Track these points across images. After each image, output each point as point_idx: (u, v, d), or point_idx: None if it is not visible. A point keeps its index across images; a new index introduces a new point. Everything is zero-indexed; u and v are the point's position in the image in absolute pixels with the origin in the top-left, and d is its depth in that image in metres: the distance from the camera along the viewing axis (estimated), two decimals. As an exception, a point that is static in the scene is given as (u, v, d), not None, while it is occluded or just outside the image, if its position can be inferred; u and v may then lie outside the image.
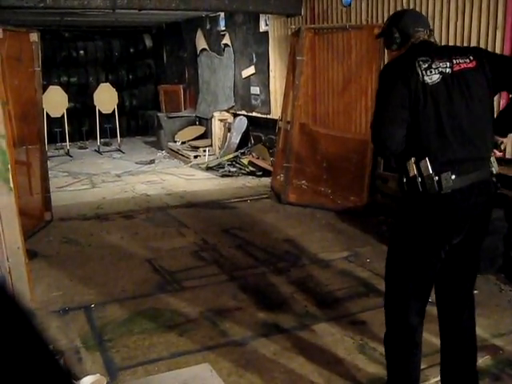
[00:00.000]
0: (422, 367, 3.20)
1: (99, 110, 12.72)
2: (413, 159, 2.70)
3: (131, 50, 15.14)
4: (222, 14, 11.14)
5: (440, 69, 2.68)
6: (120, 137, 13.08)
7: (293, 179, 7.79)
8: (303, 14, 8.58)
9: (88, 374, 3.43)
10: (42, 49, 6.95)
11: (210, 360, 3.71)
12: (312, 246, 5.92)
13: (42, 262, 5.63)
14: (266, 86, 10.00)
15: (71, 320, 4.37)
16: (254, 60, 10.25)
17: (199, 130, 12.45)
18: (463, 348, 3.02)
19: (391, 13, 6.58)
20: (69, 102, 12.45)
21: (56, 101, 11.83)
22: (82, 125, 14.23)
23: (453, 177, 2.63)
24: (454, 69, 2.70)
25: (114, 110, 12.81)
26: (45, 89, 10.38)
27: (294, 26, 8.59)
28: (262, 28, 9.87)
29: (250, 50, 10.40)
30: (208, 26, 12.01)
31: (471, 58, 2.77)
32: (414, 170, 2.68)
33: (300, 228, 6.58)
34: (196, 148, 11.50)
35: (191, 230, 6.62)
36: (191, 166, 10.74)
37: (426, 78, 2.65)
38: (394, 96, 2.71)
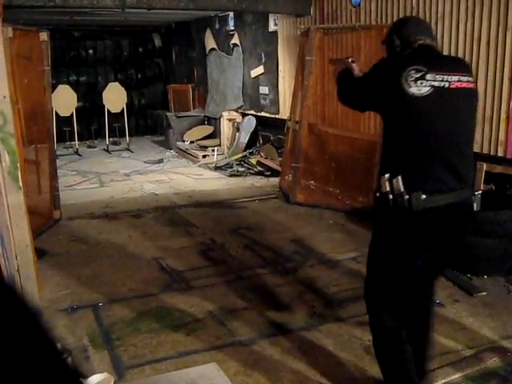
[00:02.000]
0: (430, 368, 3.21)
1: (108, 109, 12.74)
2: (387, 175, 2.72)
3: (140, 50, 15.15)
4: (231, 14, 11.14)
5: (434, 82, 2.64)
6: (129, 136, 13.10)
7: (301, 179, 7.79)
8: (312, 14, 8.57)
9: (95, 373, 3.44)
10: (52, 48, 6.98)
11: (217, 359, 3.71)
12: (320, 247, 5.91)
13: (50, 260, 5.65)
14: (274, 86, 9.99)
15: (79, 318, 4.38)
16: (263, 60, 10.25)
17: (208, 129, 12.45)
18: (418, 328, 3.17)
19: (401, 13, 6.60)
20: (78, 101, 12.49)
21: (65, 100, 11.87)
22: (91, 124, 14.25)
23: (423, 196, 2.64)
24: (452, 85, 2.67)
25: (123, 109, 12.83)
26: (54, 88, 10.42)
27: (303, 26, 8.58)
28: (271, 28, 9.87)
29: (258, 50, 10.40)
30: (217, 26, 12.01)
31: (471, 75, 2.79)
32: (386, 187, 2.71)
33: (308, 228, 6.57)
34: (204, 147, 11.51)
35: (199, 229, 6.62)
36: (199, 166, 10.74)
37: (412, 88, 2.62)
38: (376, 86, 2.81)
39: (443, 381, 3.43)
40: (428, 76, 2.63)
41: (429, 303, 3.23)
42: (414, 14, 6.41)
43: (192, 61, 13.76)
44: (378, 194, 2.79)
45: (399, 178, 2.66)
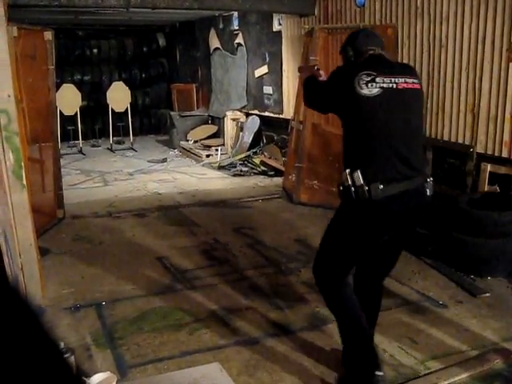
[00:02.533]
0: (434, 369, 3.21)
1: (112, 109, 12.76)
2: (347, 170, 3.05)
3: (144, 49, 15.16)
4: (236, 14, 11.14)
5: (382, 84, 3.00)
6: (133, 135, 13.11)
7: (305, 179, 7.78)
8: (317, 14, 8.57)
9: (98, 372, 3.44)
10: (56, 47, 6.98)
11: (220, 359, 3.71)
12: (323, 247, 5.90)
13: (53, 259, 5.66)
14: (278, 86, 9.99)
15: (82, 317, 4.39)
16: (267, 59, 10.25)
17: (211, 129, 12.46)
18: (371, 302, 3.53)
19: (405, 13, 6.60)
20: (82, 100, 12.50)
21: (69, 99, 11.89)
22: (95, 123, 14.26)
23: (381, 186, 2.95)
24: (399, 86, 3.05)
25: (127, 109, 12.84)
26: (58, 87, 10.42)
27: (307, 26, 8.57)
28: (276, 27, 9.86)
29: (263, 50, 10.39)
30: (221, 26, 12.01)
31: (417, 78, 3.21)
32: (348, 180, 3.04)
33: (311, 228, 6.56)
34: (208, 147, 11.52)
35: (203, 228, 6.62)
36: (203, 165, 10.75)
37: (364, 90, 2.98)
38: (335, 90, 3.20)
39: (447, 381, 3.42)
40: (377, 79, 3.00)
41: (382, 279, 3.59)
42: (418, 15, 6.41)
43: (196, 60, 13.76)
44: (341, 188, 3.10)
45: (358, 171, 2.99)
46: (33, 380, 0.65)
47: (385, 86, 3.00)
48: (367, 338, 3.36)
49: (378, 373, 3.29)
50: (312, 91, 3.49)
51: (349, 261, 3.32)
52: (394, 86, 3.03)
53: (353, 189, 3.00)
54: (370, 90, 2.97)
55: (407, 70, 3.25)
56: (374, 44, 3.26)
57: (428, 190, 3.17)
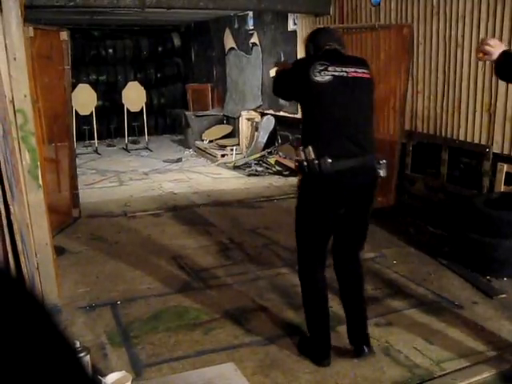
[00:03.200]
0: (449, 371, 3.19)
1: (127, 109, 12.80)
2: (301, 147, 3.44)
3: (159, 49, 15.19)
4: (251, 13, 11.13)
5: (334, 72, 3.42)
6: (148, 135, 13.14)
7: (319, 179, 7.76)
8: (332, 14, 8.54)
9: (114, 371, 3.45)
10: (72, 47, 7.02)
11: (234, 359, 3.72)
12: (338, 247, 5.89)
13: (69, 258, 5.69)
14: (293, 86, 9.96)
15: (97, 316, 4.41)
16: (282, 59, 10.23)
17: (227, 128, 12.47)
18: (351, 286, 3.85)
19: (421, 12, 6.57)
20: (97, 100, 12.55)
21: (85, 99, 11.93)
22: (111, 123, 14.31)
23: (329, 160, 3.32)
24: (350, 74, 3.46)
25: (142, 109, 12.87)
26: (74, 87, 10.47)
27: (322, 26, 8.55)
28: (291, 27, 9.85)
29: (278, 49, 10.38)
30: (236, 25, 12.01)
31: (367, 69, 3.61)
32: (301, 156, 3.40)
33: (326, 228, 6.54)
34: (223, 147, 11.52)
35: (217, 228, 6.63)
36: (218, 165, 10.75)
37: (317, 77, 3.39)
38: (294, 78, 3.60)
39: (463, 383, 3.41)
40: (330, 68, 3.41)
41: (357, 265, 3.85)
42: (434, 14, 6.38)
43: (211, 60, 13.78)
44: (296, 163, 3.47)
45: (310, 147, 3.36)
46: (46, 380, 0.65)
47: (336, 74, 3.42)
48: (326, 326, 3.75)
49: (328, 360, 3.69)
50: (278, 81, 3.88)
51: (315, 239, 3.65)
52: (345, 74, 3.44)
53: (305, 163, 3.38)
54: (322, 77, 3.39)
55: (359, 62, 3.68)
56: (331, 41, 3.65)
57: (381, 171, 3.57)
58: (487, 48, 3.06)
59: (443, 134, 6.45)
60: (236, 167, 10.22)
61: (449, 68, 6.31)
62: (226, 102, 12.86)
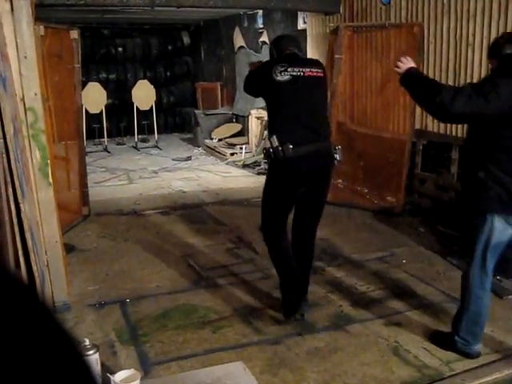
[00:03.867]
0: (459, 371, 3.18)
1: (137, 107, 12.82)
2: (268, 136, 4.09)
3: (169, 47, 15.22)
4: (260, 12, 11.13)
5: (292, 72, 4.00)
6: (157, 133, 13.16)
7: (329, 178, 7.75)
8: (342, 12, 8.53)
9: (122, 368, 3.46)
10: (82, 46, 7.03)
11: (243, 357, 3.72)
12: (347, 246, 5.89)
13: (79, 256, 5.70)
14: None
15: (107, 314, 4.42)
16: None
17: (236, 127, 12.47)
18: (304, 253, 4.38)
19: (431, 11, 6.54)
20: (107, 98, 12.56)
21: (95, 97, 11.96)
22: (120, 121, 14.34)
23: (290, 146, 3.89)
24: (306, 74, 4.05)
25: (152, 107, 12.89)
26: (84, 85, 10.50)
27: (332, 24, 8.53)
28: (300, 26, 9.83)
29: (287, 48, 10.36)
30: (246, 24, 12.01)
31: (321, 69, 4.19)
32: (268, 144, 4.04)
33: (335, 227, 6.54)
34: (232, 145, 11.52)
35: (227, 227, 6.63)
36: (227, 164, 10.76)
37: (278, 77, 3.99)
38: (260, 78, 4.22)
39: (472, 383, 3.40)
40: (289, 69, 4.00)
41: (311, 237, 4.44)
42: (445, 12, 6.35)
43: (220, 59, 13.78)
44: (264, 151, 4.11)
45: (274, 136, 3.95)
46: (49, 381, 0.65)
47: (294, 73, 4.01)
48: (294, 283, 4.23)
49: (297, 315, 4.23)
50: (247, 80, 4.42)
51: (278, 212, 4.24)
52: (302, 73, 4.03)
53: (271, 150, 3.98)
54: (282, 76, 3.99)
55: (314, 63, 4.29)
56: (291, 46, 4.24)
57: (337, 156, 4.16)
58: (399, 63, 3.63)
59: (453, 132, 6.43)
60: (245, 166, 10.22)
61: (459, 67, 6.28)
62: (236, 101, 12.86)
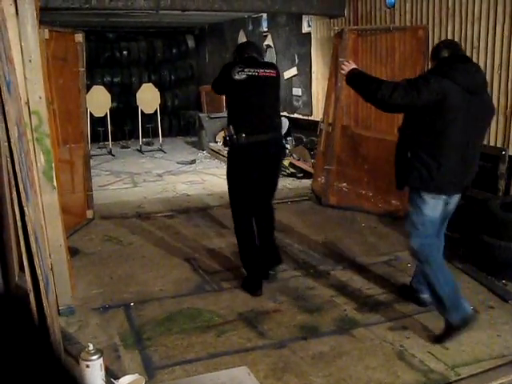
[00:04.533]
0: (464, 376, 3.17)
1: (141, 110, 12.83)
2: (226, 126, 4.85)
3: (174, 51, 15.23)
4: (265, 15, 11.13)
5: (248, 73, 4.67)
6: (162, 136, 13.16)
7: (334, 181, 7.74)
8: (346, 15, 8.53)
9: (127, 373, 3.46)
10: (87, 49, 7.04)
11: (247, 362, 3.71)
12: (352, 250, 5.87)
13: (83, 259, 5.70)
14: (307, 88, 9.96)
15: (111, 318, 4.41)
16: (297, 61, 10.23)
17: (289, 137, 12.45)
18: (266, 224, 5.07)
19: (436, 14, 6.53)
20: (112, 101, 12.57)
21: (99, 100, 11.97)
22: (125, 124, 14.34)
23: (243, 135, 4.64)
24: (260, 74, 4.72)
25: (156, 110, 12.89)
26: (88, 89, 10.51)
27: (336, 28, 8.53)
28: (305, 29, 9.84)
29: (292, 51, 10.38)
30: (250, 27, 12.02)
31: (274, 70, 4.88)
32: (226, 133, 4.81)
33: (340, 231, 6.53)
34: (237, 149, 11.49)
35: (231, 230, 6.58)
36: (232, 167, 10.73)
37: (236, 76, 4.66)
38: (222, 77, 4.87)
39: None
40: (245, 70, 4.68)
41: (269, 209, 5.14)
42: (449, 15, 6.34)
43: (225, 62, 13.76)
44: (224, 139, 4.93)
45: (231, 126, 4.72)
46: None
47: (250, 73, 4.68)
48: (255, 262, 4.95)
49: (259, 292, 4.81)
50: (214, 79, 5.07)
51: (238, 191, 4.90)
52: (256, 73, 4.70)
53: (227, 138, 4.77)
54: (239, 76, 4.67)
55: (268, 65, 5.02)
56: (250, 51, 4.95)
57: (287, 145, 5.27)
58: (342, 66, 4.20)
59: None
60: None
61: (464, 70, 6.26)
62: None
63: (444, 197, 4.02)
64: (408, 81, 3.90)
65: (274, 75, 4.83)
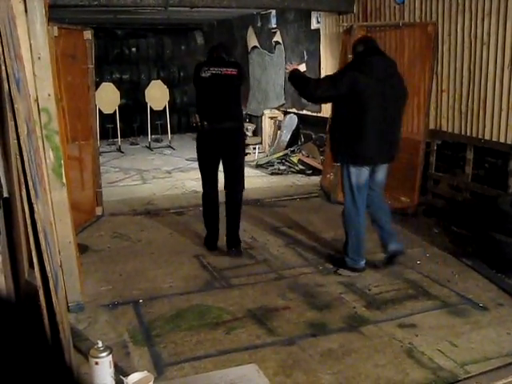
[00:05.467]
0: (473, 373, 3.16)
1: (150, 107, 12.84)
2: (194, 114, 5.71)
3: (182, 48, 15.23)
4: (274, 12, 11.11)
5: (213, 71, 5.49)
6: (171, 133, 13.18)
7: (342, 178, 7.71)
8: (355, 12, 8.50)
9: (136, 369, 3.46)
10: (96, 46, 7.04)
11: (256, 359, 3.70)
12: (361, 246, 5.85)
13: (92, 256, 5.72)
14: (316, 84, 9.92)
15: (120, 314, 4.42)
16: (305, 58, 10.21)
17: (249, 127, 12.45)
18: (232, 202, 5.85)
19: (446, 10, 6.50)
20: (121, 98, 12.59)
21: (108, 97, 11.98)
22: (134, 121, 14.36)
23: (206, 123, 5.50)
24: (223, 72, 5.51)
25: (165, 107, 12.90)
26: (97, 85, 10.53)
27: (345, 24, 8.50)
28: (314, 25, 9.81)
29: (301, 48, 10.35)
30: (259, 24, 12.00)
31: (236, 69, 5.59)
32: (194, 120, 5.68)
33: (349, 228, 6.51)
34: (246, 145, 11.49)
35: (240, 227, 6.61)
36: (240, 164, 10.72)
37: (203, 74, 5.52)
38: (193, 75, 5.71)
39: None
40: (211, 68, 5.50)
41: (237, 189, 5.85)
42: (459, 11, 6.31)
43: (234, 59, 13.75)
44: (194, 125, 5.76)
45: (197, 115, 5.60)
46: None
47: (214, 72, 5.49)
48: (213, 226, 5.92)
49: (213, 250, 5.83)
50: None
51: (203, 170, 5.87)
52: (220, 72, 5.50)
53: (194, 125, 5.70)
54: (205, 74, 5.51)
55: (231, 65, 5.68)
56: (219, 52, 5.70)
57: (248, 132, 6.20)
58: (287, 66, 5.35)
59: (468, 133, 6.39)
60: (259, 166, 10.20)
61: (474, 66, 6.24)
62: (249, 101, 12.84)
63: (367, 167, 4.94)
64: (328, 77, 5.25)
65: (235, 73, 5.57)
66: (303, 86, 5.01)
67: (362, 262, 5.19)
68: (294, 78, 5.09)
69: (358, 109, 4.72)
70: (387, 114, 4.81)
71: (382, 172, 5.11)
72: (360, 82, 4.68)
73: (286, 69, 5.45)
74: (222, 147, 5.58)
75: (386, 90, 4.75)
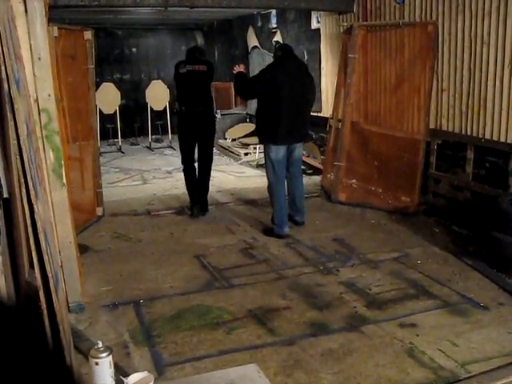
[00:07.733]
0: (474, 373, 3.19)
1: (151, 107, 12.85)
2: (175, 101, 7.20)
3: (183, 48, 15.21)
4: (274, 12, 11.11)
5: (188, 68, 6.79)
6: (171, 133, 13.16)
7: (343, 178, 7.71)
8: (355, 11, 8.49)
9: (136, 370, 3.46)
10: (96, 46, 7.03)
11: (257, 359, 3.70)
12: (362, 246, 5.85)
13: (93, 256, 5.72)
14: (317, 84, 9.89)
15: (120, 315, 4.42)
16: (306, 57, 10.19)
17: (250, 127, 12.42)
18: (202, 171, 7.18)
19: (446, 10, 6.50)
20: (121, 98, 12.60)
21: (109, 98, 12.00)
22: (134, 121, 14.37)
23: (183, 108, 6.86)
24: (195, 69, 6.81)
25: (166, 107, 12.91)
26: (98, 86, 10.53)
27: (346, 24, 8.51)
28: (314, 25, 9.81)
29: (301, 48, 10.34)
30: (259, 24, 12.00)
31: (206, 66, 6.92)
32: (175, 106, 7.12)
33: (350, 227, 6.52)
34: (246, 145, 11.50)
35: (241, 227, 6.62)
36: (241, 164, 10.75)
37: (181, 70, 6.82)
38: (175, 72, 6.96)
39: (487, 385, 3.36)
40: (187, 66, 6.80)
41: (207, 163, 7.20)
42: (459, 11, 6.31)
43: (234, 59, 13.74)
44: (174, 111, 7.23)
45: (177, 103, 6.98)
46: None
47: (189, 68, 6.81)
48: (194, 195, 7.13)
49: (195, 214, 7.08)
50: None
51: (183, 148, 7.11)
52: (193, 69, 6.81)
53: (175, 110, 7.16)
54: (182, 70, 6.81)
55: (202, 63, 6.95)
56: (194, 52, 7.08)
57: (217, 115, 7.47)
58: (234, 67, 6.27)
59: (468, 132, 6.38)
60: (259, 166, 10.18)
61: (474, 66, 6.23)
62: (250, 101, 12.82)
63: (283, 146, 6.11)
64: (255, 76, 6.42)
65: (205, 70, 6.91)
66: (239, 86, 6.32)
67: (286, 229, 6.24)
68: (237, 78, 6.24)
69: (275, 100, 5.94)
70: (297, 105, 6.06)
71: (297, 151, 6.37)
72: (277, 78, 5.96)
73: (233, 70, 6.32)
74: (196, 126, 6.86)
75: (296, 85, 6.04)
